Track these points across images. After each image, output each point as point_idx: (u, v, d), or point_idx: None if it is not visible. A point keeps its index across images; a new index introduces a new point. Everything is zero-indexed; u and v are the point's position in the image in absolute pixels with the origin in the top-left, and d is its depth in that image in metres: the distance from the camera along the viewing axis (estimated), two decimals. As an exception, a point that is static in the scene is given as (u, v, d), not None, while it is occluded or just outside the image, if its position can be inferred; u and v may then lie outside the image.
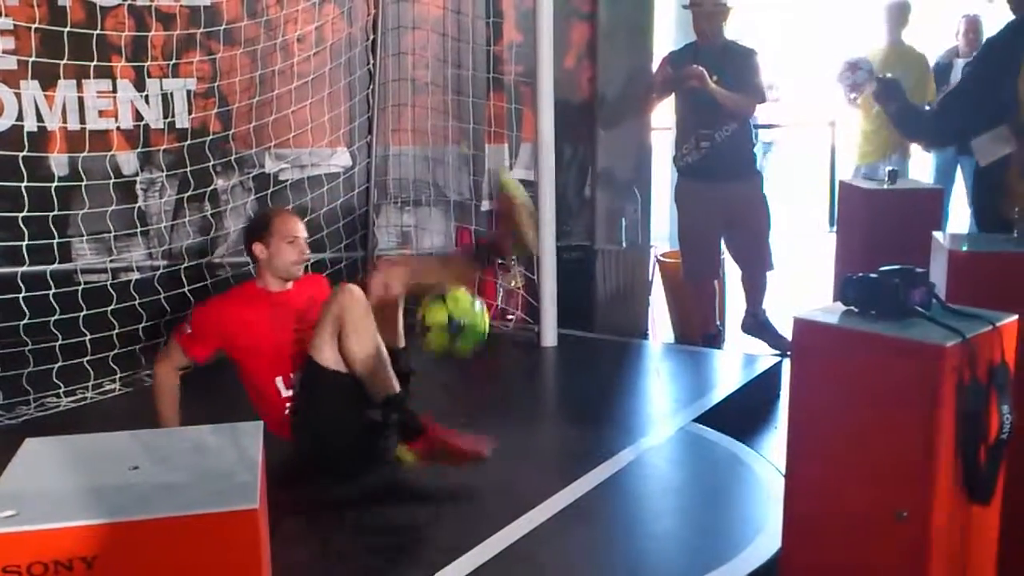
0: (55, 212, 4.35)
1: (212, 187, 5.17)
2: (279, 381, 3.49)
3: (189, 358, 3.52)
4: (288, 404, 3.47)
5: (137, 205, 5.02)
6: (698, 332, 5.37)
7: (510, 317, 5.34)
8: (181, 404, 3.51)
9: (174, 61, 5.02)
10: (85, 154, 4.73)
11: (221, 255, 5.21)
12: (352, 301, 3.25)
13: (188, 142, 5.01)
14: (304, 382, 3.40)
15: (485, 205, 5.62)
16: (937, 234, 3.19)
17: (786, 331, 4.81)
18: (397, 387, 3.25)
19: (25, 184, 4.21)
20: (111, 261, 4.85)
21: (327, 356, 3.28)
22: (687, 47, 5.23)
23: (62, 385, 4.17)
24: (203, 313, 3.58)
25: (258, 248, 3.58)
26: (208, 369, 3.59)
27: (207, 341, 3.50)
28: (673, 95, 5.17)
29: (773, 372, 4.63)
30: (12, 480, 1.95)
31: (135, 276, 4.81)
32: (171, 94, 5.19)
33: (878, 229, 4.46)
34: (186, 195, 5.08)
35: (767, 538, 2.89)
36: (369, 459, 3.36)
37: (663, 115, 5.56)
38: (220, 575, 1.83)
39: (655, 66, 5.40)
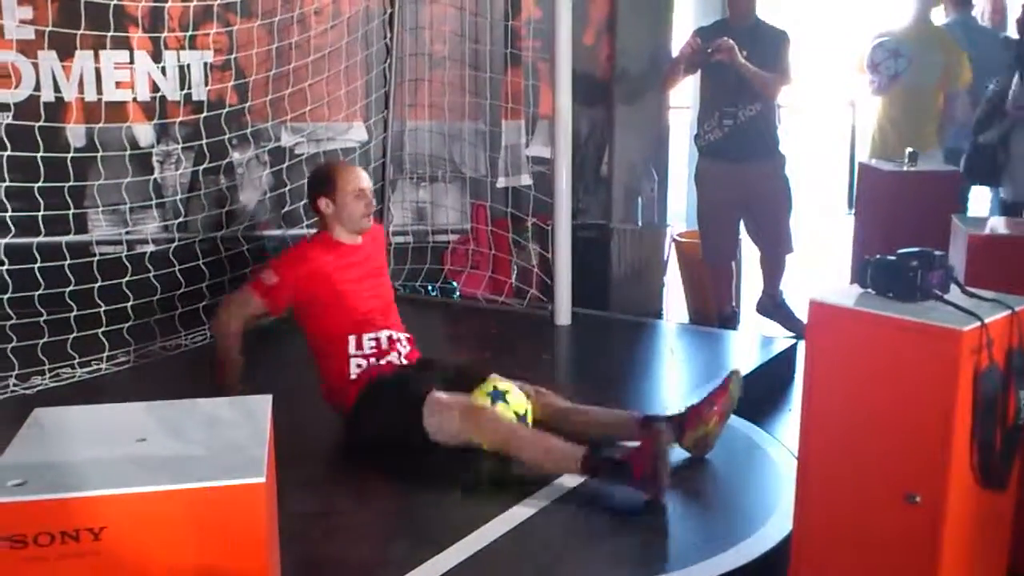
0: (71, 183, 4.35)
1: (228, 160, 5.17)
2: (351, 340, 3.44)
3: (267, 308, 3.45)
4: (355, 362, 3.42)
5: (153, 177, 5.03)
6: (714, 313, 5.34)
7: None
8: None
9: (191, 33, 5.02)
10: (101, 125, 4.75)
11: (236, 228, 5.21)
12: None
13: (204, 114, 4.99)
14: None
15: (501, 182, 5.61)
16: (956, 217, 3.16)
17: (802, 313, 4.78)
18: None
19: (41, 155, 4.22)
20: (126, 233, 4.86)
21: None
22: (717, 23, 5.14)
23: (76, 356, 4.18)
24: (291, 260, 3.50)
25: (323, 203, 3.52)
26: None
27: (289, 290, 3.43)
28: (698, 72, 5.11)
29: (788, 354, 4.60)
30: (20, 449, 1.95)
31: (150, 248, 4.81)
32: (188, 66, 5.19)
33: (897, 211, 4.43)
34: (202, 168, 5.08)
35: (779, 520, 2.87)
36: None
37: (681, 94, 5.51)
38: (226, 548, 1.83)
39: (674, 44, 5.34)
